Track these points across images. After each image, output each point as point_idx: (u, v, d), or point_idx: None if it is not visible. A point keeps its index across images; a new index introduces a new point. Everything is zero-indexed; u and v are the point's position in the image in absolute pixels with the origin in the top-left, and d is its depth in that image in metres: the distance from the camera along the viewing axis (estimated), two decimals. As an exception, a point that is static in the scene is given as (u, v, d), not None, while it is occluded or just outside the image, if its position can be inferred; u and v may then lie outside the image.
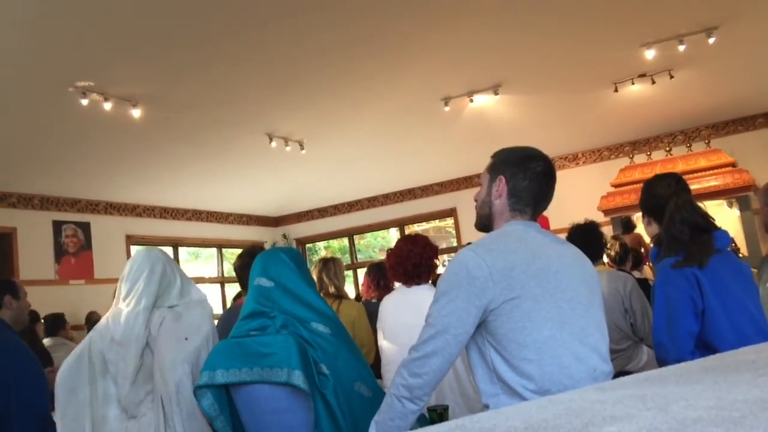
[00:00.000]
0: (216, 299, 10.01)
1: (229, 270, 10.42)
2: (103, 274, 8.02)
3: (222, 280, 10.27)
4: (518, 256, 1.68)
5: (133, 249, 8.67)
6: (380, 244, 12.12)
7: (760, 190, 2.62)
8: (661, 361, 2.02)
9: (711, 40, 5.63)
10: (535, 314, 1.63)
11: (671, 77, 6.48)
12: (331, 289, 4.01)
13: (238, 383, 1.92)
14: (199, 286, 3.18)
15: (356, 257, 11.37)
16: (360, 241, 11.82)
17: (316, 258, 11.75)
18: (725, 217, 7.57)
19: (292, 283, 2.06)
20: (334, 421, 1.83)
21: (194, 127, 6.51)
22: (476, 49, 5.60)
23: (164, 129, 6.41)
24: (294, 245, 11.36)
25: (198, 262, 10.76)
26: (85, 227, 8.15)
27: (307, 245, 11.72)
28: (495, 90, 6.48)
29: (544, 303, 1.65)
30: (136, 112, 5.75)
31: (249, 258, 2.92)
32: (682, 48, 5.77)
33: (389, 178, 9.71)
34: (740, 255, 6.51)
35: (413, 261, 2.96)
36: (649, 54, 5.93)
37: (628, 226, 7.22)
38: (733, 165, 7.50)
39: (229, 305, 5.89)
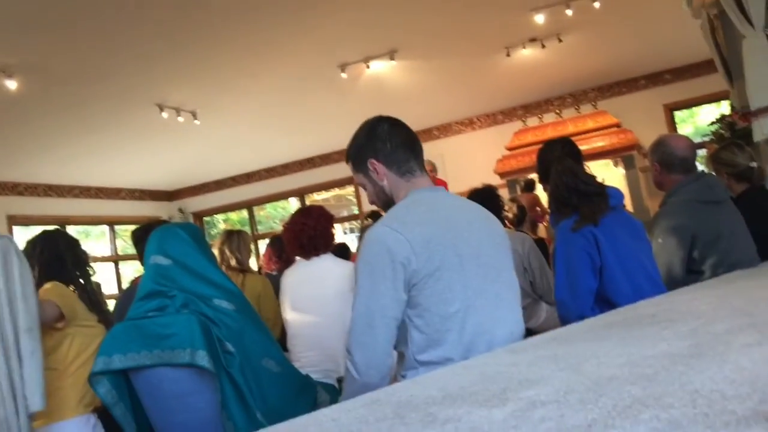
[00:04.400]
0: (110, 278, 9.60)
1: (123, 248, 10.01)
2: (-17, 258, 7.48)
3: (116, 258, 9.85)
4: (433, 227, 1.65)
5: (16, 230, 8.17)
6: (281, 214, 11.95)
7: (649, 149, 2.72)
8: (564, 319, 2.08)
9: (596, 5, 5.83)
10: (455, 284, 1.62)
11: (560, 41, 6.66)
12: (233, 262, 3.87)
13: (137, 367, 1.83)
14: (92, 265, 3.05)
15: (257, 229, 11.18)
16: (260, 213, 11.62)
17: (214, 231, 11.47)
18: (612, 175, 7.93)
19: (191, 259, 1.96)
20: (242, 400, 1.76)
21: (77, 99, 6.12)
22: (371, 12, 5.54)
23: (44, 101, 6.00)
24: (191, 219, 11.03)
25: (88, 241, 10.27)
26: (-37, 208, 7.60)
27: (205, 219, 11.40)
28: (391, 55, 6.45)
29: (462, 272, 1.64)
30: (12, 84, 5.34)
31: (142, 232, 2.78)
32: (569, 12, 5.93)
33: (288, 148, 9.53)
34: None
35: (308, 234, 2.92)
36: (539, 18, 6.07)
37: (529, 186, 7.43)
38: (618, 126, 7.86)
39: (127, 285, 5.64)
